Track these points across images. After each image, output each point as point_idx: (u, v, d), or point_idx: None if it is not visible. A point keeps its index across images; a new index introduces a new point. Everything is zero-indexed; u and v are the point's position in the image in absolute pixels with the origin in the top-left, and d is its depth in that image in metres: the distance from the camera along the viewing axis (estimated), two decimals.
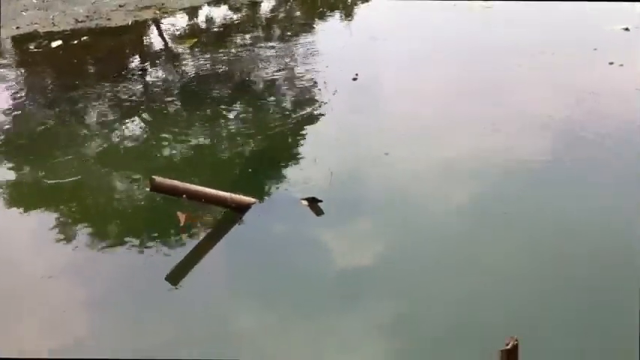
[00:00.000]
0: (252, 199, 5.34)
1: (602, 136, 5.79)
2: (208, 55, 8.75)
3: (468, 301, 4.24)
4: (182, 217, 5.12)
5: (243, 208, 5.28)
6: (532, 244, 4.65)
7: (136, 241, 5.10)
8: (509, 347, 2.66)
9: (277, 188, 5.65)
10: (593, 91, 6.59)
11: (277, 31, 9.55)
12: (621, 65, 6.98)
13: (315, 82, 7.52)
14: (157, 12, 10.40)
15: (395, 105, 6.82)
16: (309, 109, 6.92)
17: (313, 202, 5.26)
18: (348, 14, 10.30)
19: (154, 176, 4.98)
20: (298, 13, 10.73)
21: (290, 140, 6.43)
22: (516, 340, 2.64)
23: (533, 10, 9.15)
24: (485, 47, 7.93)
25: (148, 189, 5.17)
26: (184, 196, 5.07)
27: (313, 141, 6.28)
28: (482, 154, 5.69)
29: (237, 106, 7.21)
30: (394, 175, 5.58)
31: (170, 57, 8.97)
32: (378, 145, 5.99)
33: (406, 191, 5.37)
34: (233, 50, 8.84)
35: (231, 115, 7.04)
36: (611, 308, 4.08)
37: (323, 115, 6.75)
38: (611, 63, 7.04)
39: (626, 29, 7.83)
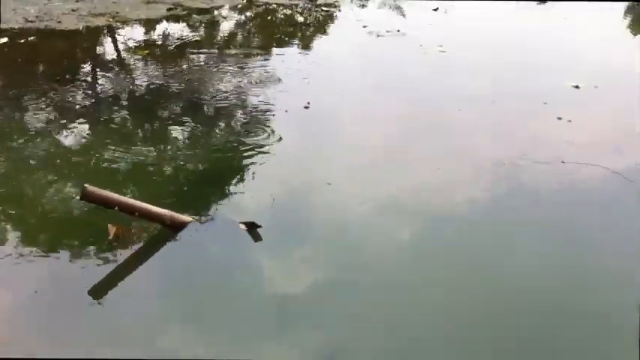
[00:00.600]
0: (189, 218, 5.14)
1: (542, 188, 5.83)
2: (160, 69, 8.55)
3: (400, 336, 4.19)
4: (112, 229, 4.89)
5: (179, 226, 5.07)
6: (464, 287, 4.61)
7: (61, 252, 4.84)
8: None
9: (216, 210, 5.47)
10: (539, 144, 6.64)
11: (233, 53, 9.42)
12: (569, 121, 7.06)
13: (267, 107, 7.40)
14: (111, 20, 10.18)
15: (343, 137, 6.75)
16: (257, 133, 6.78)
17: (252, 227, 5.09)
18: (306, 44, 10.26)
19: (85, 184, 4.74)
20: (256, 38, 10.65)
21: (235, 163, 6.27)
22: None
23: (488, 59, 9.27)
24: (438, 91, 7.97)
25: (78, 197, 4.92)
26: (116, 208, 4.84)
27: (259, 166, 6.14)
28: (422, 194, 5.67)
29: (184, 124, 7.03)
30: (335, 206, 5.48)
31: (120, 66, 8.73)
32: (323, 175, 5.90)
33: (345, 224, 5.27)
34: (186, 67, 8.67)
35: (176, 132, 6.86)
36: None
37: (271, 140, 6.62)
38: (559, 118, 7.12)
39: (577, 87, 7.97)
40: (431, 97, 7.78)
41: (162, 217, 5.00)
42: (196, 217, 5.22)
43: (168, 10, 10.97)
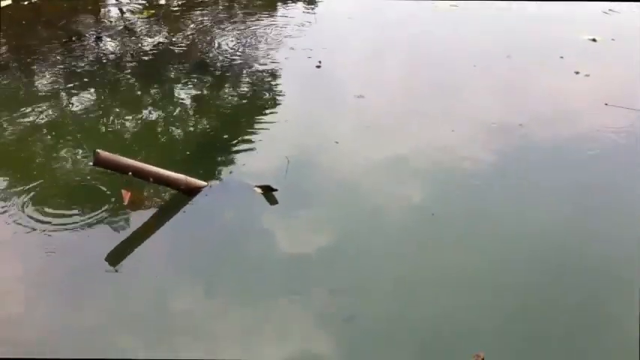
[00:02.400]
0: (204, 183, 5.07)
1: (557, 144, 5.74)
2: (166, 30, 8.39)
3: (413, 298, 4.20)
4: (126, 195, 4.82)
5: (193, 191, 5.00)
6: (478, 246, 4.59)
7: (75, 218, 4.78)
8: None
9: (230, 173, 5.40)
10: (555, 99, 6.50)
11: (240, 12, 9.22)
12: (587, 75, 6.90)
13: (277, 67, 7.26)
14: None
15: (357, 96, 6.61)
16: (267, 94, 6.67)
17: (268, 191, 5.01)
18: (313, 1, 10.03)
19: (98, 150, 4.66)
20: None
21: (245, 124, 6.17)
22: (483, 359, 2.43)
23: (500, 13, 9.05)
24: (450, 47, 7.79)
25: (91, 163, 4.84)
26: (130, 173, 4.76)
27: (271, 127, 6.04)
28: (430, 153, 5.59)
29: (193, 86, 6.91)
30: (345, 166, 5.44)
31: (125, 27, 8.57)
32: (338, 136, 5.81)
33: (355, 185, 5.23)
34: (192, 27, 8.50)
35: (185, 94, 6.75)
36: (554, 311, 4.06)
37: (282, 100, 6.52)
38: (577, 72, 6.96)
39: (594, 40, 7.77)
40: (444, 53, 7.60)
41: (176, 181, 4.93)
42: (211, 182, 5.14)
43: None
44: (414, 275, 4.35)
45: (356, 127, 6.04)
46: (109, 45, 7.97)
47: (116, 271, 4.41)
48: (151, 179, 4.83)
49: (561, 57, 7.33)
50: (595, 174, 5.36)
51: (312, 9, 9.54)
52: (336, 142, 5.72)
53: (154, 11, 9.01)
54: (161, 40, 8.03)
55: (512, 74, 7.04)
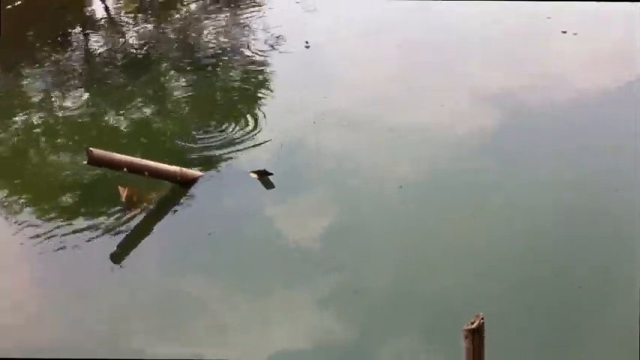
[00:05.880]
0: (199, 173, 5.09)
1: (547, 106, 5.75)
2: (151, 23, 8.36)
3: (413, 273, 4.24)
4: (123, 191, 4.84)
5: (189, 181, 5.02)
6: (479, 214, 4.62)
7: (76, 218, 4.81)
8: (474, 326, 2.48)
9: (224, 160, 5.40)
10: (543, 61, 6.47)
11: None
12: (575, 34, 6.87)
13: (266, 52, 7.22)
14: None
15: (345, 73, 6.62)
16: (258, 79, 6.68)
17: (263, 175, 5.03)
18: None
19: (90, 148, 4.67)
20: None
21: (237, 111, 6.17)
22: (482, 319, 2.47)
23: None
24: (439, 15, 7.75)
25: (85, 162, 4.85)
26: (125, 169, 4.78)
27: (259, 111, 6.05)
28: (422, 125, 5.60)
29: (181, 77, 6.90)
30: (339, 145, 5.44)
31: (111, 22, 8.54)
32: (323, 114, 5.83)
33: (349, 162, 5.26)
34: (177, 17, 8.47)
35: (174, 85, 6.75)
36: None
37: (273, 84, 6.52)
38: (564, 32, 6.93)
39: None
40: (433, 18, 7.57)
41: (171, 173, 4.95)
42: (206, 171, 5.16)
43: None
44: (416, 248, 4.36)
45: (354, 101, 6.01)
46: (96, 40, 7.94)
47: (121, 267, 4.45)
48: (146, 173, 4.85)
49: (548, 17, 7.28)
50: (591, 138, 5.34)
51: None
52: (314, 123, 5.68)
53: (137, 5, 8.96)
54: (147, 33, 8.00)
55: (499, 39, 6.99)
